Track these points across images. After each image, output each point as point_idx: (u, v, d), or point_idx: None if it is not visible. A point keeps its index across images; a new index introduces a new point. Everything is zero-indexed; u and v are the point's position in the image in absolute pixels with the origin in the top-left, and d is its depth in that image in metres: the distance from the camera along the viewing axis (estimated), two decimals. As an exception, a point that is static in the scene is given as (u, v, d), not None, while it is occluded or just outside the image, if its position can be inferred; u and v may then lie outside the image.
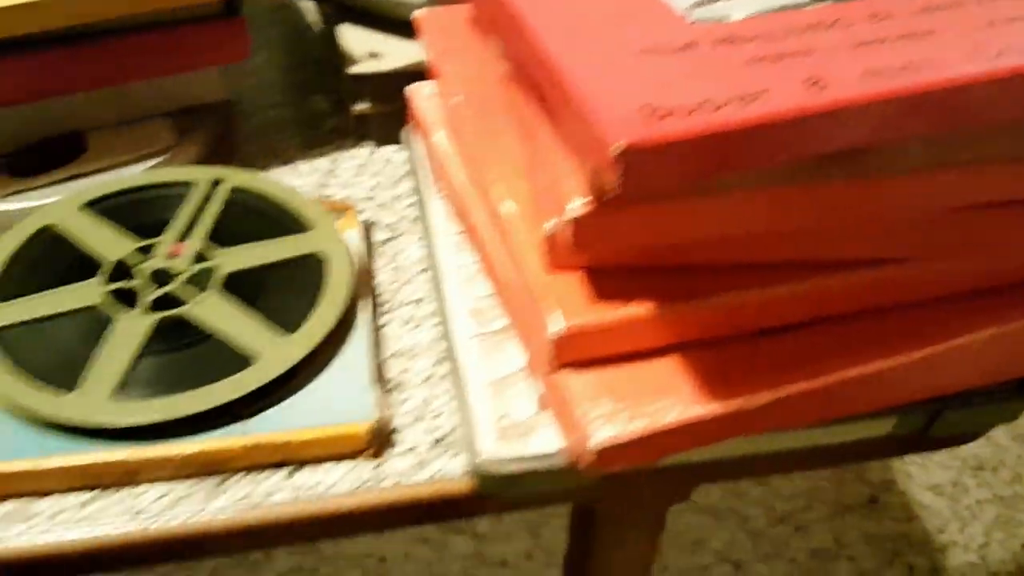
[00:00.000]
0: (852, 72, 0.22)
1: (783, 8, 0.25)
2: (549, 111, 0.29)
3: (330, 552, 1.06)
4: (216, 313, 0.34)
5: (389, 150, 0.46)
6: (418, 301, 0.38)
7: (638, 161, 0.21)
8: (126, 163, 0.41)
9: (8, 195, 0.39)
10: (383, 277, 0.39)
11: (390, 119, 0.45)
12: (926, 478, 1.16)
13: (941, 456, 1.19)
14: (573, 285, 0.28)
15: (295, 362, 0.33)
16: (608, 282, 0.28)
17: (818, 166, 0.24)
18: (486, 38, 0.38)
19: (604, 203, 0.25)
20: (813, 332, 0.28)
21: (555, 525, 1.10)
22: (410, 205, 0.43)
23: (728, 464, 0.35)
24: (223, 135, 0.45)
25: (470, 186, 0.35)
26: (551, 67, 0.24)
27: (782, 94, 0.21)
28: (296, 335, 0.33)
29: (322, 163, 0.45)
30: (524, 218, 0.30)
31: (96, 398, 0.31)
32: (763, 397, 0.27)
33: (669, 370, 0.28)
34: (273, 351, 0.33)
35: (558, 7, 0.26)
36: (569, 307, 0.28)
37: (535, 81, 0.29)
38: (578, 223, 0.25)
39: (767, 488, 1.16)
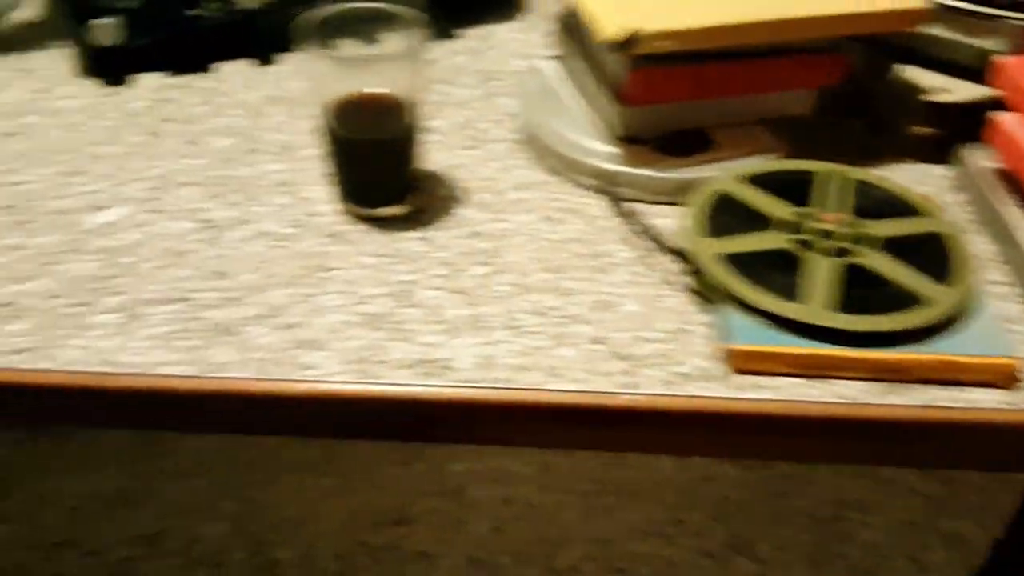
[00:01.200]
0: None
1: None
2: None
3: (622, 551, 1.15)
4: (885, 265, 0.45)
5: (930, 167, 0.56)
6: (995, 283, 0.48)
7: None
8: (741, 156, 0.53)
9: (668, 167, 0.52)
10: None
11: (932, 143, 0.55)
12: None
13: None
14: None
15: (958, 306, 0.42)
16: None
17: None
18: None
19: None
20: None
21: (838, 566, 1.14)
22: (966, 211, 0.52)
23: None
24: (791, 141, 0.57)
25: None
26: None
27: None
28: (951, 287, 0.43)
29: (871, 173, 0.56)
30: None
31: (816, 308, 0.42)
32: None
33: None
34: (938, 296, 0.43)
35: None
36: None
37: None
38: None
39: None
